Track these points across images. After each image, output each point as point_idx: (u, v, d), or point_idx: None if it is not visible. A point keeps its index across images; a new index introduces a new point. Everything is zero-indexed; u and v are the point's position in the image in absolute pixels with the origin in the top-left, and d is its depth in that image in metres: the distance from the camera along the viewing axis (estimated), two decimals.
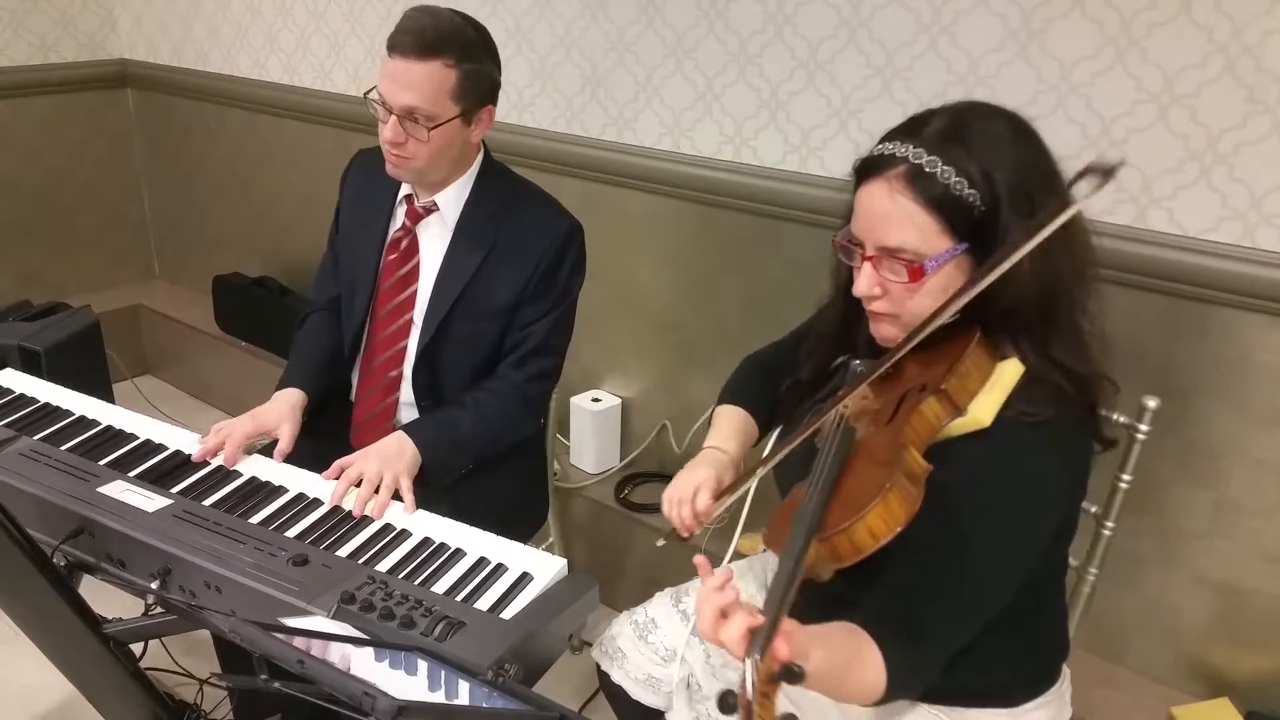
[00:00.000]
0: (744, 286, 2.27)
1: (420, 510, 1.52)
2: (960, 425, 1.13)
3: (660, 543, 1.38)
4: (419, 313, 1.78)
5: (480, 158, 1.78)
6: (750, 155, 2.17)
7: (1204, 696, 1.83)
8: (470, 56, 1.62)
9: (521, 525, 1.94)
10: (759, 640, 0.90)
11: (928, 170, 1.11)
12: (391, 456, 1.61)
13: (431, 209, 1.76)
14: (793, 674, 0.88)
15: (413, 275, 1.78)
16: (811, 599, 1.06)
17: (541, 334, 1.77)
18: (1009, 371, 1.15)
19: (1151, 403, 1.41)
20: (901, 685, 1.08)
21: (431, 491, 1.68)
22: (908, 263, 1.14)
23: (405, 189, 1.79)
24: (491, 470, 1.84)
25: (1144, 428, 1.42)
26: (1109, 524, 1.50)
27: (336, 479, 1.57)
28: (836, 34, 1.97)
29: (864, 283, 1.18)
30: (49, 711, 2.13)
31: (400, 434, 1.68)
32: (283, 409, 1.73)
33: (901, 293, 1.17)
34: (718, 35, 2.13)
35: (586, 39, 2.35)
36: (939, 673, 1.13)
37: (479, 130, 1.71)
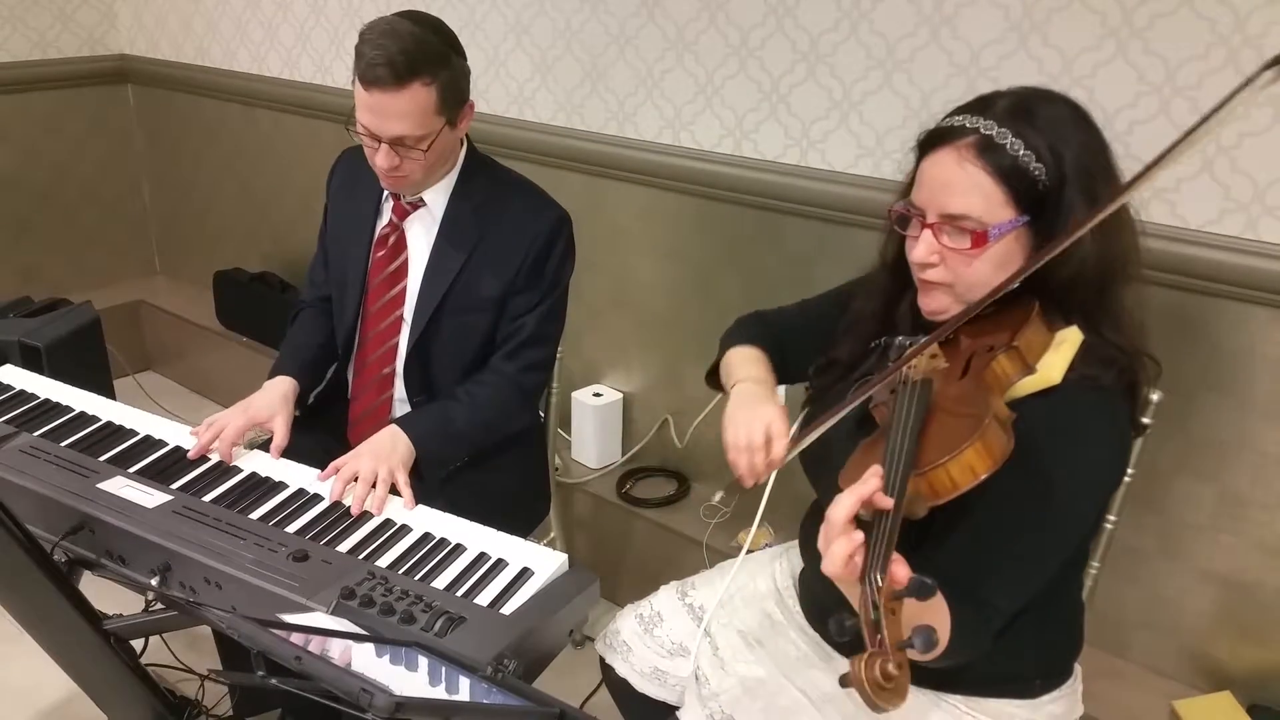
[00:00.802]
0: (745, 280, 2.27)
1: (420, 505, 1.51)
2: (1028, 384, 1.15)
3: (718, 497, 1.34)
4: (409, 309, 1.78)
5: (465, 150, 1.77)
6: (751, 148, 2.17)
7: (1206, 690, 1.82)
8: (443, 65, 1.59)
9: (522, 520, 1.94)
10: (876, 560, 0.91)
11: (998, 141, 1.14)
12: (385, 451, 1.60)
13: (419, 204, 1.76)
14: (926, 588, 0.87)
15: (401, 271, 1.78)
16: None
17: (533, 325, 1.76)
18: (1072, 336, 1.18)
19: (1154, 396, 1.40)
20: (962, 646, 1.08)
21: (430, 485, 1.67)
22: (971, 230, 1.16)
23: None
24: (492, 465, 1.84)
25: (1146, 421, 1.41)
26: (1111, 517, 1.50)
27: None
28: (837, 26, 1.96)
29: (923, 249, 1.20)
30: (51, 709, 2.13)
31: (393, 427, 1.67)
32: (274, 399, 1.73)
33: (959, 261, 1.18)
34: (718, 28, 2.13)
35: (587, 32, 2.35)
36: (992, 638, 1.14)
37: (464, 126, 1.71)
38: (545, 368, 1.85)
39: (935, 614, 1.05)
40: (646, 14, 2.23)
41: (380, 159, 1.62)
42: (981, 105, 1.19)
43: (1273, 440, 1.68)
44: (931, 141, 1.20)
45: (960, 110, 1.20)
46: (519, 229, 1.73)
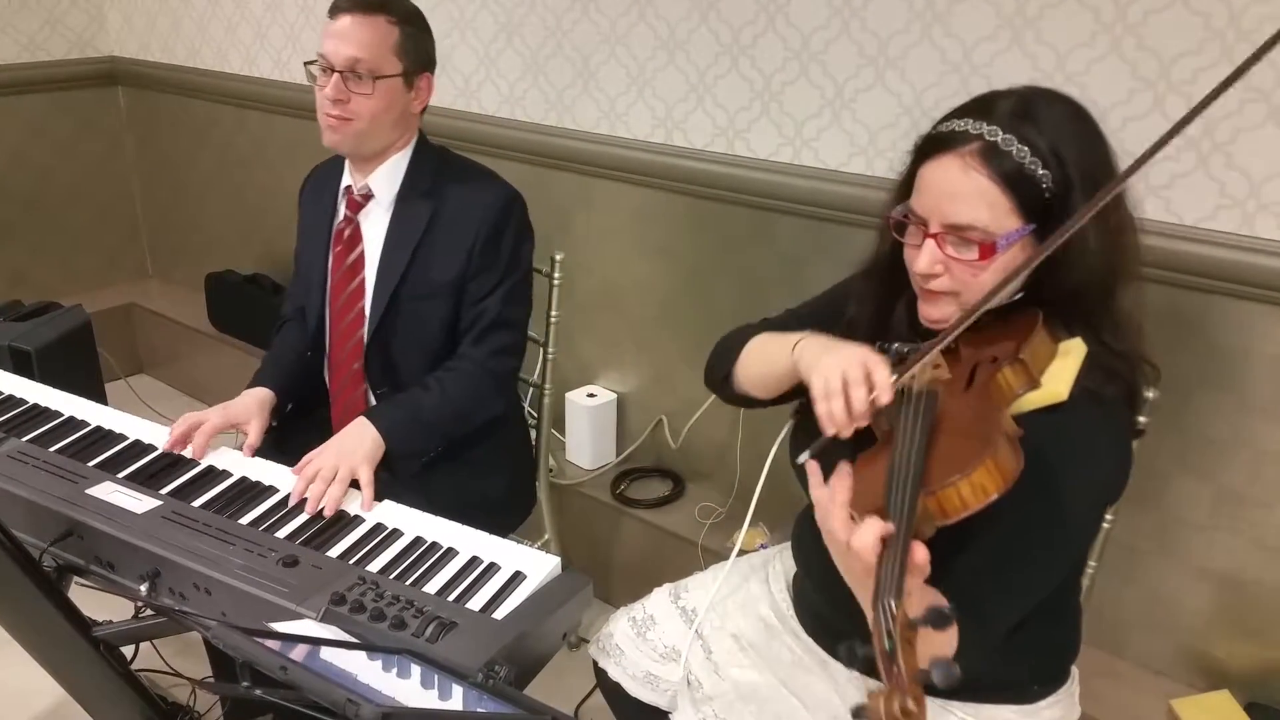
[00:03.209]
0: (738, 279, 2.26)
1: (407, 508, 1.50)
2: (1034, 399, 1.11)
3: (804, 457, 1.12)
4: (369, 301, 1.80)
5: (416, 140, 1.80)
6: (743, 147, 2.16)
7: (1205, 689, 1.82)
8: (410, 20, 1.70)
9: (507, 518, 1.94)
10: (890, 584, 0.87)
11: (1003, 148, 1.10)
12: (349, 448, 1.60)
13: (369, 195, 1.77)
14: (944, 617, 0.83)
15: (359, 264, 1.80)
16: None
17: (496, 308, 1.76)
18: (1076, 348, 1.14)
19: (1150, 394, 1.39)
20: (963, 660, 1.06)
21: (405, 479, 1.68)
22: (979, 241, 1.12)
23: (345, 180, 1.80)
24: (474, 462, 1.84)
25: (1143, 419, 1.40)
26: (1108, 516, 1.49)
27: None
28: (829, 24, 1.95)
29: (925, 260, 1.15)
30: (43, 714, 2.12)
31: (361, 419, 1.67)
32: (251, 405, 1.75)
33: (965, 271, 1.14)
34: (710, 26, 2.12)
35: (578, 31, 2.33)
36: (991, 653, 1.12)
37: (419, 100, 1.75)
38: (514, 353, 1.83)
39: (947, 637, 1.03)
40: (637, 13, 2.22)
41: (329, 89, 1.66)
42: (983, 108, 1.14)
43: (1270, 438, 1.68)
44: (933, 146, 1.15)
45: (960, 113, 1.16)
46: (468, 209, 1.75)
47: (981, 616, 1.07)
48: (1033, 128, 1.11)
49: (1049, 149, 1.10)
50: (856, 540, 0.95)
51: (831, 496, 1.00)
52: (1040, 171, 1.10)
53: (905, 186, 1.20)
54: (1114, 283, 1.15)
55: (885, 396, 1.08)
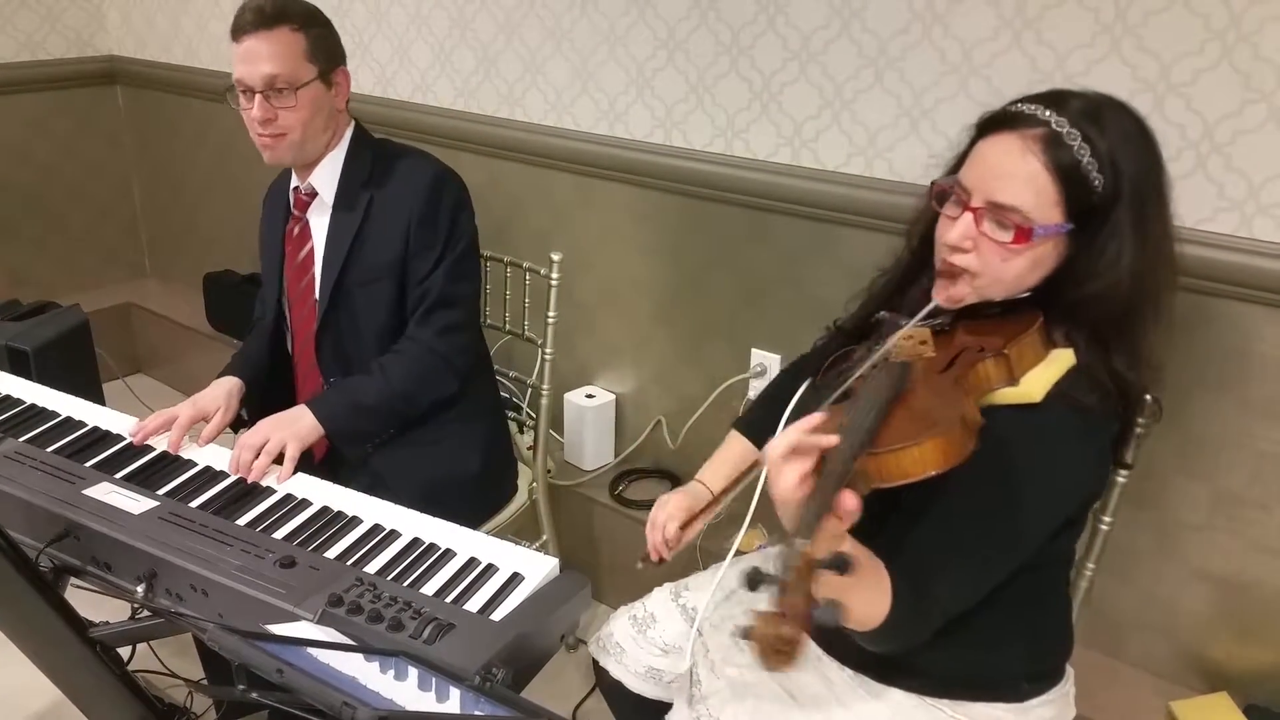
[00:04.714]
0: (736, 280, 2.25)
1: (407, 510, 1.49)
2: (1008, 395, 1.14)
3: (639, 566, 1.45)
4: (319, 293, 1.82)
5: (351, 131, 1.82)
6: (742, 148, 2.15)
7: (1203, 691, 1.81)
8: (311, 22, 1.74)
9: (487, 497, 1.96)
10: (805, 525, 0.92)
11: (1067, 140, 1.11)
12: (285, 422, 1.64)
13: (314, 193, 1.80)
14: (844, 562, 0.88)
15: (309, 260, 1.83)
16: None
17: (439, 286, 1.77)
18: (1064, 357, 1.16)
19: (1146, 396, 1.39)
20: (896, 628, 1.09)
21: (354, 462, 1.72)
22: (1017, 224, 1.13)
23: (293, 182, 1.83)
24: (440, 441, 1.85)
25: (1142, 421, 1.40)
26: (1106, 518, 1.49)
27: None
28: (829, 24, 1.95)
29: (959, 232, 1.16)
30: (39, 715, 2.11)
31: (301, 406, 1.70)
32: (219, 394, 1.78)
33: (994, 252, 1.15)
34: (709, 26, 2.11)
35: (577, 31, 2.33)
36: (930, 632, 1.14)
37: (340, 95, 1.78)
38: (463, 329, 1.84)
39: (873, 591, 1.07)
40: (637, 13, 2.21)
41: (256, 111, 1.68)
42: (1055, 100, 1.16)
43: (1268, 439, 1.68)
44: (996, 123, 1.16)
45: (1032, 99, 1.17)
46: (401, 190, 1.77)
47: (922, 589, 1.10)
48: (1097, 130, 1.12)
49: (1108, 155, 1.11)
50: (785, 472, 0.99)
51: (784, 439, 1.03)
52: (1095, 174, 1.11)
53: (959, 161, 1.22)
54: (1135, 305, 1.15)
55: (674, 543, 1.44)
